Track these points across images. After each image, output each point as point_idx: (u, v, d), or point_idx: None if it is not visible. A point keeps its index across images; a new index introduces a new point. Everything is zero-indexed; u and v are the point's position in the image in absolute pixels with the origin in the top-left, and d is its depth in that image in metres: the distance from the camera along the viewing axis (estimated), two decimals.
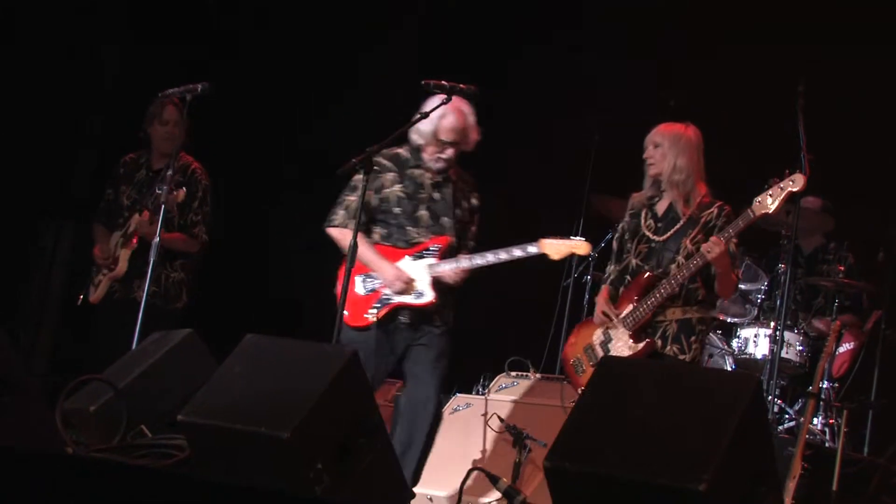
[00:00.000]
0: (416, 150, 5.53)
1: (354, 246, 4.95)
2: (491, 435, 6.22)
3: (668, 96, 7.06)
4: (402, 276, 5.41)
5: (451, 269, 5.45)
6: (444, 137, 5.44)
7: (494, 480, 5.12)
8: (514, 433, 5.84)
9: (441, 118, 5.39)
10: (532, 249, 5.41)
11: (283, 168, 8.51)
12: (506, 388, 6.54)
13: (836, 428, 6.33)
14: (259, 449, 3.51)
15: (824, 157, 6.00)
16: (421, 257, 5.48)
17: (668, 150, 5.33)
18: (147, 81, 6.89)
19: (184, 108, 5.99)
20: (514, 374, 6.65)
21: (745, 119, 7.55)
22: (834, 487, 5.47)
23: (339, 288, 5.30)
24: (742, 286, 7.14)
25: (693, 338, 5.23)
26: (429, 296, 5.44)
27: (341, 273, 5.31)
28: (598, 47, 8.08)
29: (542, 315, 7.83)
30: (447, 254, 5.49)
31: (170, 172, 5.87)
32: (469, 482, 5.09)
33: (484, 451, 6.21)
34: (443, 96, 5.27)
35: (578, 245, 5.38)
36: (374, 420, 3.76)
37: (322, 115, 8.48)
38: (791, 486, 5.31)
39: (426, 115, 5.35)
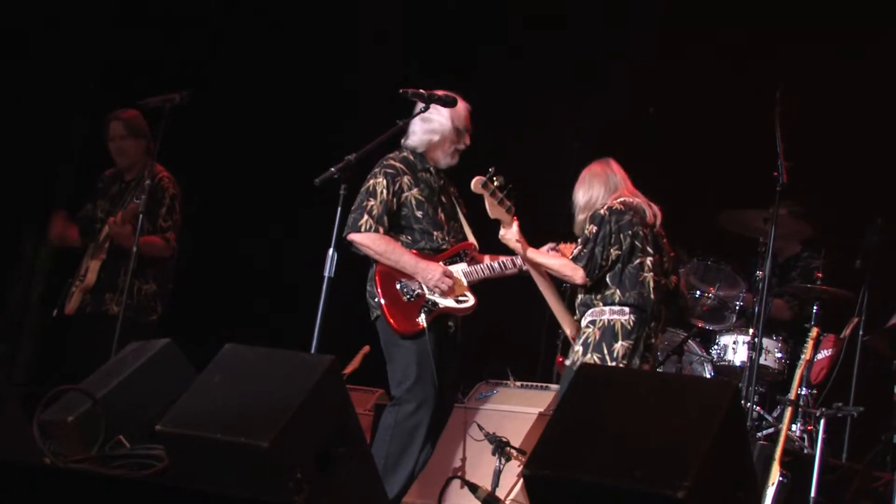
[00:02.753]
0: (420, 155, 5.46)
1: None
2: (470, 443, 6.23)
3: (646, 104, 7.10)
4: (448, 273, 5.33)
5: (485, 273, 5.41)
6: (461, 126, 5.42)
7: (474, 489, 5.14)
8: (493, 441, 5.84)
9: (454, 110, 5.36)
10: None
11: (261, 177, 8.48)
12: (485, 396, 6.54)
13: (814, 434, 6.33)
14: (238, 458, 3.50)
15: (802, 163, 6.03)
16: (452, 263, 5.40)
17: (580, 200, 5.44)
18: (131, 87, 6.90)
19: (164, 117, 6.00)
20: (493, 381, 6.65)
21: (722, 126, 7.57)
22: (813, 494, 5.50)
23: (380, 292, 5.29)
24: (721, 293, 7.16)
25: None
26: (472, 300, 5.39)
27: (378, 278, 5.29)
28: (576, 53, 8.09)
29: (521, 322, 7.83)
30: (474, 258, 5.44)
31: (148, 182, 5.90)
32: (448, 491, 5.10)
33: (464, 460, 6.21)
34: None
35: None
36: (353, 429, 3.75)
37: (297, 126, 8.47)
38: (770, 492, 5.34)
39: (407, 123, 5.36)
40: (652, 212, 5.33)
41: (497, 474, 5.76)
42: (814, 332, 5.80)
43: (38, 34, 7.93)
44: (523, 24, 8.38)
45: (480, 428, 6.02)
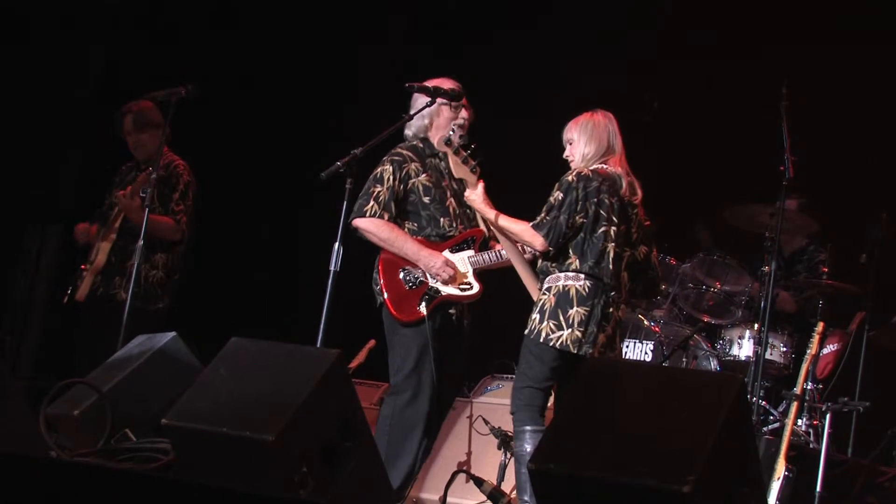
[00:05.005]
0: (428, 142, 5.45)
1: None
2: (476, 437, 6.23)
3: (650, 98, 7.08)
4: (450, 263, 5.31)
5: (493, 260, 5.37)
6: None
7: (479, 483, 5.13)
8: (499, 435, 5.85)
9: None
10: None
11: (270, 168, 8.48)
12: (491, 390, 6.54)
13: (820, 429, 6.35)
14: (244, 452, 3.51)
15: (808, 158, 6.02)
16: (460, 250, 5.37)
17: (577, 141, 5.17)
18: (134, 82, 6.90)
19: (169, 110, 6.02)
20: (498, 376, 6.65)
21: (729, 121, 7.56)
22: (818, 489, 5.50)
23: (382, 280, 5.28)
24: (727, 288, 7.16)
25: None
26: (476, 288, 5.36)
27: (381, 265, 5.29)
28: (577, 48, 8.08)
29: (526, 317, 7.82)
30: (482, 245, 5.41)
31: (153, 170, 5.93)
32: (454, 485, 5.10)
33: (469, 454, 6.21)
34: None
35: None
36: (359, 423, 3.76)
37: (309, 115, 8.48)
38: (775, 487, 5.34)
39: (412, 117, 5.36)
40: (628, 182, 5.11)
41: (502, 468, 5.77)
42: (820, 326, 5.80)
43: (41, 28, 7.96)
44: (525, 18, 8.38)
45: (486, 422, 6.03)
